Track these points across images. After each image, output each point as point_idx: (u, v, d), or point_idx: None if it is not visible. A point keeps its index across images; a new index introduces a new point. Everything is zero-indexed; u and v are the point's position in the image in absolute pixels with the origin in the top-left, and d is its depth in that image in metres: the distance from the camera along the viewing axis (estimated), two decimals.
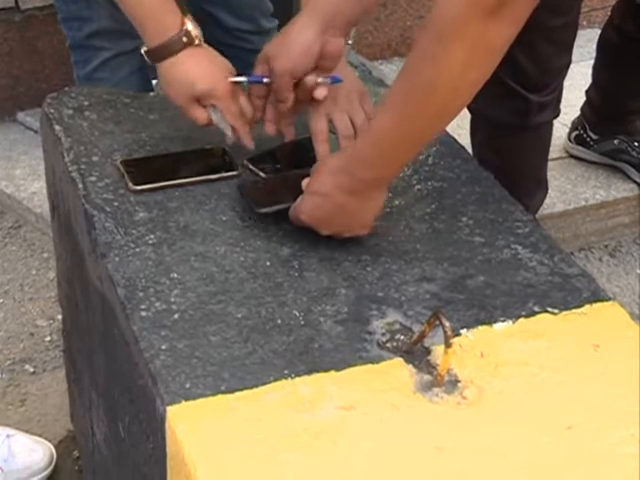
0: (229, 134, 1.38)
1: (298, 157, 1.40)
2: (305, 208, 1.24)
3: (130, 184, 1.33)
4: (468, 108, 2.05)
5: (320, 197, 1.22)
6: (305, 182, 1.25)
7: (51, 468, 1.81)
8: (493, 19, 1.06)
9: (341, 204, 1.21)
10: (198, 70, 1.36)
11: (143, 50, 1.38)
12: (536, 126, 2.03)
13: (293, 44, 1.32)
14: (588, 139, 2.55)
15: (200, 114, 1.37)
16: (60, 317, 1.92)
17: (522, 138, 2.04)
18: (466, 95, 1.14)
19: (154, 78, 2.24)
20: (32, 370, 2.07)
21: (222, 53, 1.40)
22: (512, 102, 1.97)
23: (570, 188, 2.50)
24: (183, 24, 1.36)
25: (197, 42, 1.37)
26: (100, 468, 1.52)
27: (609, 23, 2.33)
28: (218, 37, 1.98)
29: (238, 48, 1.98)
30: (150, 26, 1.36)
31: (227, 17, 1.97)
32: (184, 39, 1.36)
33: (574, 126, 2.57)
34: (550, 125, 2.10)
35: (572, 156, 2.60)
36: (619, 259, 2.50)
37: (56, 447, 1.84)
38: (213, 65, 1.38)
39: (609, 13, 2.35)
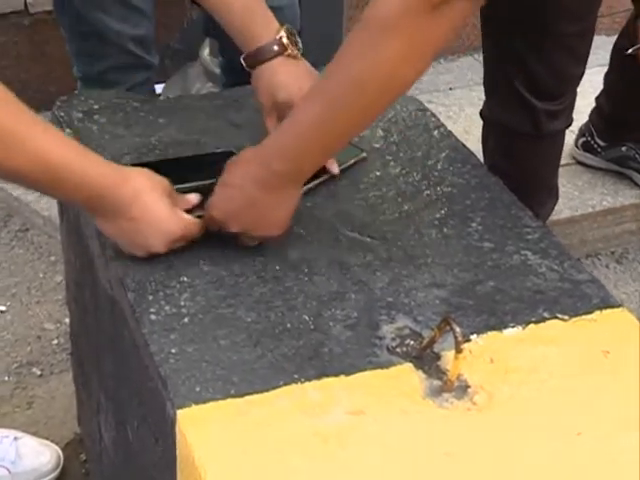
0: None
1: None
2: (216, 201, 1.18)
3: None
4: (480, 114, 2.05)
5: (231, 189, 1.16)
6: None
7: (58, 471, 1.81)
8: (431, 16, 1.02)
9: (253, 198, 1.15)
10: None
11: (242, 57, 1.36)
12: (548, 134, 2.02)
13: None
14: (595, 146, 2.55)
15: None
16: (67, 320, 1.92)
17: (534, 145, 2.03)
18: (396, 92, 1.10)
19: (157, 82, 2.21)
20: (39, 373, 2.08)
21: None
22: (524, 110, 1.96)
23: (577, 195, 2.50)
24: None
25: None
26: (108, 471, 1.52)
27: (623, 31, 2.32)
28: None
29: None
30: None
31: None
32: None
33: (581, 133, 2.57)
34: (562, 134, 2.09)
35: (579, 163, 2.60)
36: (626, 266, 2.49)
37: (63, 450, 1.85)
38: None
39: (616, 20, 2.35)
